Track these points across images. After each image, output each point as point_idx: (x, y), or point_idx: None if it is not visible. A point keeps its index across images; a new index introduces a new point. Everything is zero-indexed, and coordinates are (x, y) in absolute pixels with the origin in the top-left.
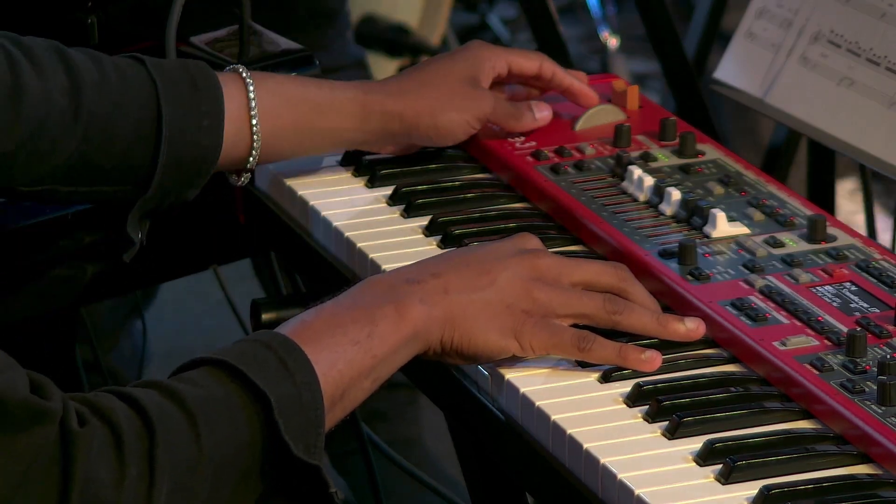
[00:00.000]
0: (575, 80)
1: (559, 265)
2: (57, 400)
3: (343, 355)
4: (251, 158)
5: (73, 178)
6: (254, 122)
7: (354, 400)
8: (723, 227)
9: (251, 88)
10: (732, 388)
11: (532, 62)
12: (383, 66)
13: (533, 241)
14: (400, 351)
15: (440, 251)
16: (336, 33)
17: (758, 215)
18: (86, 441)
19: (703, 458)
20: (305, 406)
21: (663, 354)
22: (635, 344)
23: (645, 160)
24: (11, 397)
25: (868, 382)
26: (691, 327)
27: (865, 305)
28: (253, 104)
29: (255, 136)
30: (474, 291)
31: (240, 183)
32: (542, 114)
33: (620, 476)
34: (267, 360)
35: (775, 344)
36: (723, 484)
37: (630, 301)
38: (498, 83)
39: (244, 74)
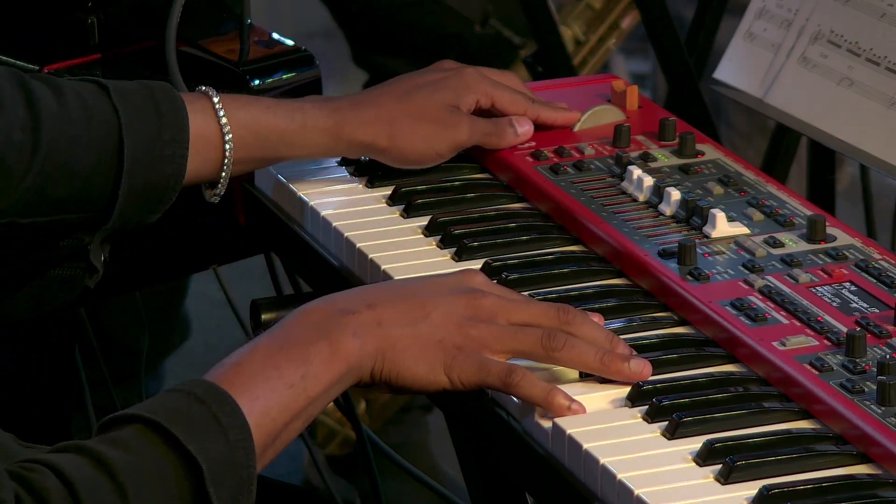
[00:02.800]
0: (559, 115)
1: (498, 305)
2: (8, 490)
3: (278, 401)
4: (220, 185)
5: (31, 210)
6: (227, 147)
7: (286, 441)
8: (722, 227)
9: (222, 116)
10: (732, 388)
11: (516, 105)
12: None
13: (477, 280)
14: (333, 388)
15: (440, 251)
16: None
17: (757, 215)
18: None
19: (703, 458)
20: (238, 465)
21: (662, 355)
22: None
23: (644, 160)
24: None
25: (868, 382)
26: (636, 370)
27: (865, 305)
28: (227, 129)
29: (227, 158)
30: (407, 325)
31: (212, 199)
32: (523, 129)
33: (620, 476)
34: (201, 419)
35: (775, 344)
36: (722, 484)
37: (574, 337)
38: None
39: (216, 103)
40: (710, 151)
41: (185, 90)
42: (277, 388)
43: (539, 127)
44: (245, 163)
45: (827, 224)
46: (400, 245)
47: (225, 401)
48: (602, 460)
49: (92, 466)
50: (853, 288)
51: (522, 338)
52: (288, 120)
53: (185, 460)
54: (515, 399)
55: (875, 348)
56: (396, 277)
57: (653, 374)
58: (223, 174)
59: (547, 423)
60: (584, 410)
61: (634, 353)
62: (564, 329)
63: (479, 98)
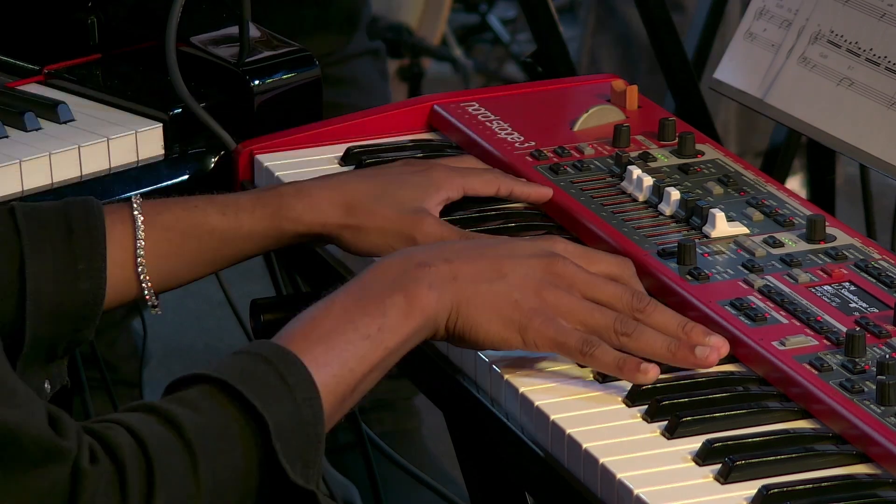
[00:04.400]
0: (532, 190)
1: (576, 276)
2: (72, 437)
3: (355, 353)
4: (145, 294)
5: None
6: (139, 260)
7: (363, 391)
8: (722, 226)
9: (140, 226)
10: (731, 388)
11: (489, 186)
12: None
13: (559, 245)
14: (410, 340)
15: None
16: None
17: (757, 215)
18: (94, 481)
19: (703, 457)
20: (305, 423)
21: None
22: None
23: (644, 160)
24: (27, 433)
25: (867, 382)
26: (701, 355)
27: (864, 305)
28: (140, 243)
29: (141, 277)
30: (483, 282)
31: (154, 311)
32: None
33: (619, 476)
34: (267, 378)
35: (774, 344)
36: (722, 483)
37: (645, 324)
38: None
39: (136, 211)
40: (709, 151)
41: (185, 90)
42: (354, 339)
43: (538, 130)
44: (177, 272)
45: (827, 224)
46: None
47: (292, 361)
48: (601, 460)
49: (161, 424)
50: (853, 288)
51: (597, 316)
52: (219, 215)
53: (252, 418)
54: (515, 399)
55: (874, 348)
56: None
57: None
58: (144, 288)
59: (546, 423)
60: (657, 371)
61: (718, 339)
62: (635, 315)
63: (450, 194)
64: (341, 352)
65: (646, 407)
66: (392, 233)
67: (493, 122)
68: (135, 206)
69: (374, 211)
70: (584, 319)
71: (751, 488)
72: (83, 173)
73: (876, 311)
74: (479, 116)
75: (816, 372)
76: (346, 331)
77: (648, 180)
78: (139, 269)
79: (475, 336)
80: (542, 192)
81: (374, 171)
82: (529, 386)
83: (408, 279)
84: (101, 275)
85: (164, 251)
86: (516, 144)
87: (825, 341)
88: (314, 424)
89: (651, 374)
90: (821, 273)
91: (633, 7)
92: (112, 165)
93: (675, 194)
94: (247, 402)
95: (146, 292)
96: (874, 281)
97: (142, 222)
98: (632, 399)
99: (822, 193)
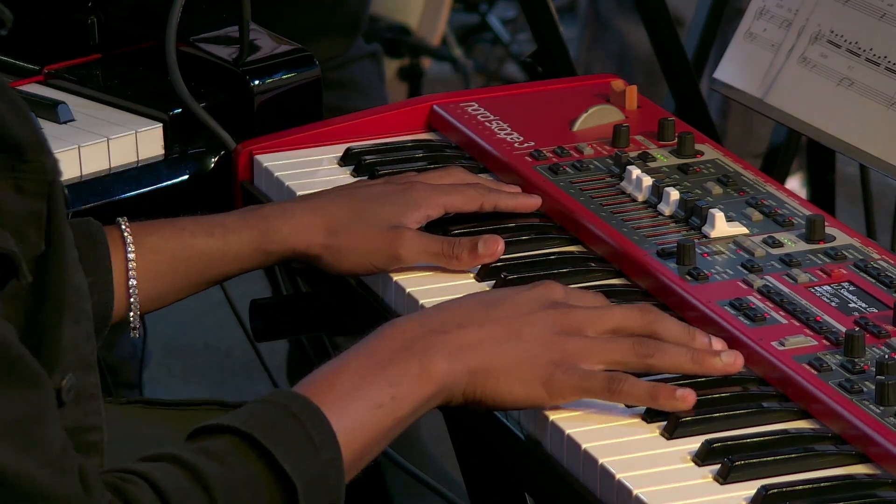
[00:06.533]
0: (518, 202)
1: (585, 316)
2: (98, 497)
3: (367, 422)
4: (130, 315)
5: None
6: (131, 282)
7: (369, 459)
8: (721, 227)
9: (130, 248)
10: (731, 388)
11: (471, 202)
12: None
13: (558, 292)
14: (420, 408)
15: None
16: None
17: (756, 215)
18: None
19: (702, 457)
20: (330, 486)
21: None
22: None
23: (643, 160)
24: (57, 495)
25: (866, 382)
26: (728, 361)
27: (864, 305)
28: (132, 264)
29: (132, 299)
30: (500, 345)
31: (133, 334)
32: (488, 249)
33: (619, 476)
34: (295, 436)
35: (774, 344)
36: (721, 484)
37: (662, 341)
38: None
39: (125, 233)
40: (709, 151)
41: (185, 90)
42: (367, 408)
43: (537, 130)
44: (162, 293)
45: (826, 224)
46: None
47: (319, 418)
48: (601, 460)
49: (187, 478)
50: (852, 288)
51: (615, 349)
52: (206, 236)
53: (280, 478)
54: None
55: (874, 348)
56: (395, 278)
57: (651, 375)
58: (131, 301)
59: (547, 424)
60: (694, 395)
61: (719, 342)
62: (649, 329)
63: (430, 212)
64: (352, 420)
65: (645, 407)
66: (372, 251)
67: (493, 123)
68: (124, 227)
69: (353, 231)
70: (604, 357)
71: (750, 488)
72: (83, 173)
73: (875, 311)
74: (479, 116)
75: (816, 372)
76: (359, 398)
77: (648, 180)
78: (130, 291)
79: (500, 401)
80: (527, 203)
81: (354, 191)
82: None
83: (422, 346)
84: (109, 287)
85: (152, 273)
86: (516, 144)
87: (824, 341)
88: (337, 487)
89: (690, 399)
90: (820, 273)
91: (629, 22)
92: (112, 165)
93: (674, 194)
94: (275, 461)
95: (132, 313)
96: (873, 281)
97: (131, 243)
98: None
99: (821, 193)
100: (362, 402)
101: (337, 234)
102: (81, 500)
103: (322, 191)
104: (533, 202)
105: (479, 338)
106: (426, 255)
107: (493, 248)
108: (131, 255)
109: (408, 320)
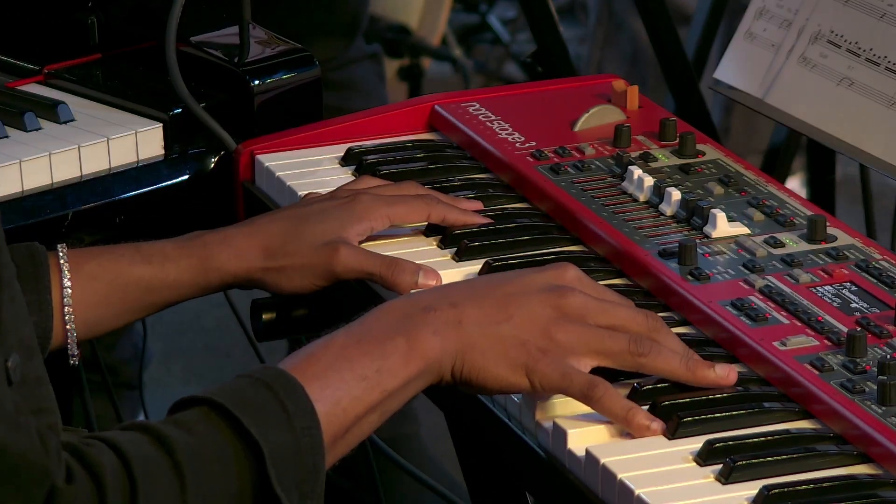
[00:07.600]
0: (467, 217)
1: (587, 304)
2: (53, 455)
3: (349, 392)
4: (68, 341)
5: None
6: (66, 309)
7: (359, 435)
8: (723, 227)
9: (66, 275)
10: (732, 388)
11: (417, 214)
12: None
13: (569, 275)
14: (410, 384)
15: (440, 251)
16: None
17: (758, 215)
18: (68, 501)
19: (704, 457)
20: (303, 453)
21: None
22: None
23: (645, 160)
24: (14, 444)
25: (868, 382)
26: (721, 374)
27: (865, 305)
28: (67, 291)
29: (68, 326)
30: (489, 325)
31: (73, 361)
32: (427, 280)
33: (620, 476)
34: (266, 404)
35: (775, 344)
36: (723, 484)
37: (659, 344)
38: None
39: (61, 260)
40: (710, 151)
41: (185, 90)
42: (349, 379)
43: (538, 130)
44: (101, 319)
45: (827, 224)
46: (399, 245)
47: (293, 388)
48: (602, 460)
49: (152, 444)
50: (853, 288)
51: (610, 341)
52: (144, 264)
53: (248, 444)
54: (515, 399)
55: (875, 348)
56: None
57: (651, 375)
58: (67, 327)
59: (548, 424)
60: (663, 429)
61: (723, 368)
62: (649, 335)
63: (374, 224)
64: (335, 390)
65: (647, 407)
66: (310, 269)
67: (494, 123)
68: (60, 254)
69: (291, 251)
70: (596, 347)
71: (752, 488)
72: (83, 173)
73: (877, 311)
74: (480, 117)
75: (817, 372)
76: (342, 369)
77: (649, 180)
78: (66, 318)
79: (483, 382)
80: (476, 221)
81: (294, 210)
82: None
83: (411, 323)
84: (48, 308)
85: (89, 300)
86: (517, 145)
87: (826, 341)
88: (312, 455)
89: (655, 426)
90: (822, 273)
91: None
92: (112, 165)
93: (675, 194)
94: (243, 427)
95: (69, 340)
96: (875, 281)
97: (68, 270)
98: (632, 400)
99: (822, 193)
100: (345, 373)
101: (275, 255)
102: (39, 453)
103: (265, 213)
104: (480, 220)
105: (470, 316)
106: (362, 273)
107: (432, 280)
108: (67, 283)
109: (401, 299)
